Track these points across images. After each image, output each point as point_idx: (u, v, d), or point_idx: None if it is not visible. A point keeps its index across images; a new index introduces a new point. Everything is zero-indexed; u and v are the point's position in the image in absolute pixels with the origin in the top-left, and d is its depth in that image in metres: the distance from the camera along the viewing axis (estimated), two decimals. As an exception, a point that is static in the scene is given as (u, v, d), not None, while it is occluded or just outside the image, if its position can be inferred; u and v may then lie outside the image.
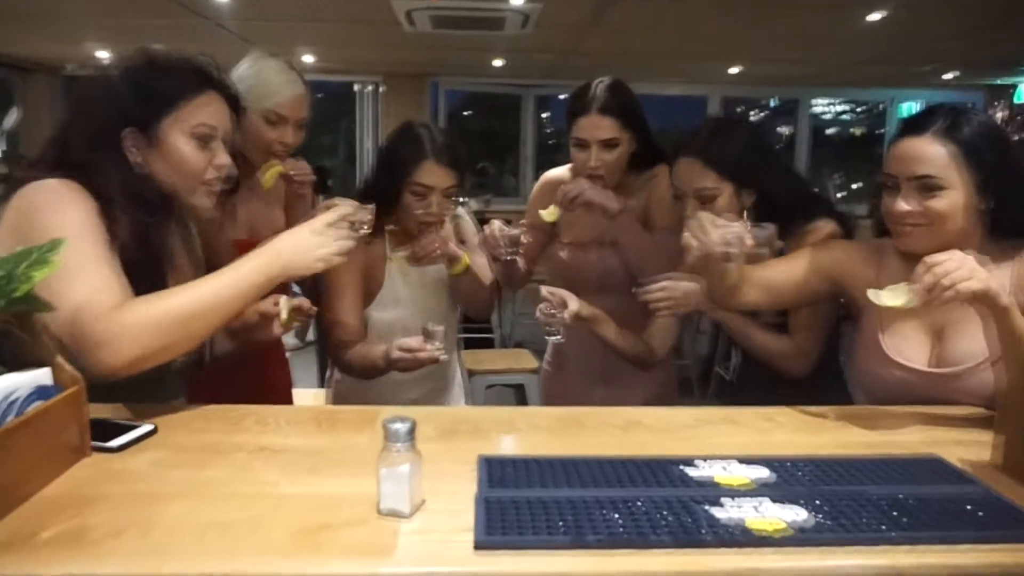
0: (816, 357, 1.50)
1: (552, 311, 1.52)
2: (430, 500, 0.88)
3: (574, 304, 1.53)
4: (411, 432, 0.84)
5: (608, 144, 1.66)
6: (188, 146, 1.19)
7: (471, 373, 3.11)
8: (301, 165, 1.71)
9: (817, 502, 0.88)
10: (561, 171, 1.88)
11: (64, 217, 1.07)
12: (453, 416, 1.21)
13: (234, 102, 1.26)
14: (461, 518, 0.84)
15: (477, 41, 5.54)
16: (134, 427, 1.07)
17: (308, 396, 2.80)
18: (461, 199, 1.74)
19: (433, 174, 1.56)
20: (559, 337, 1.55)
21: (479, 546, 0.77)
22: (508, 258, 1.61)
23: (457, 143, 1.61)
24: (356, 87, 7.46)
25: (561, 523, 0.82)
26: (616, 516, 0.84)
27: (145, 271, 1.15)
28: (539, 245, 1.86)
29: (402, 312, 1.66)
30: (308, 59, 6.51)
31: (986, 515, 0.86)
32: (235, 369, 1.54)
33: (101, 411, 1.12)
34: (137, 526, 0.81)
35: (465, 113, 9.38)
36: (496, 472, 0.96)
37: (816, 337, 1.50)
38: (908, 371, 1.29)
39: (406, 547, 0.78)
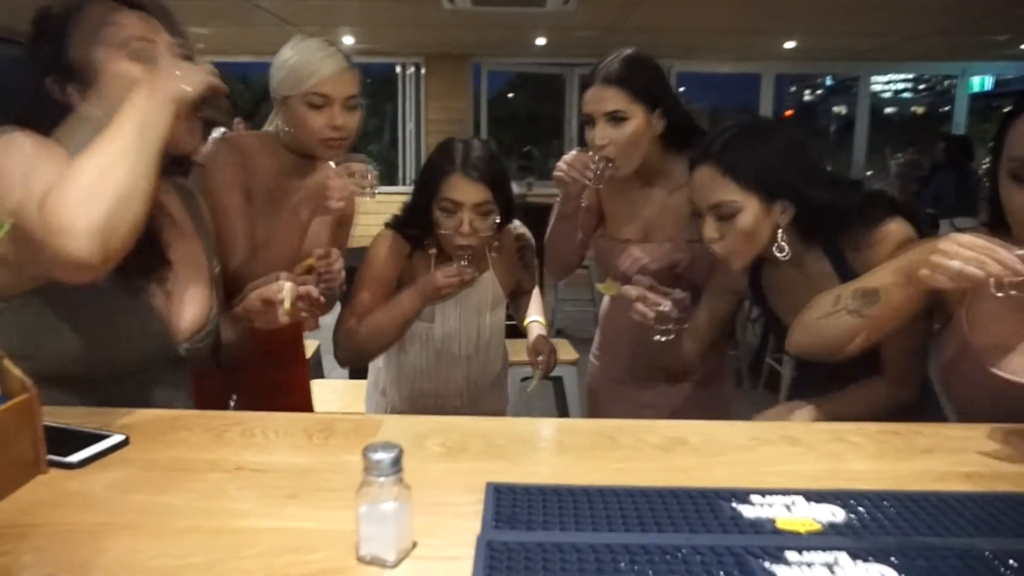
0: (922, 377, 1.25)
1: (661, 306, 1.29)
2: (423, 541, 0.72)
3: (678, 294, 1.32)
4: (397, 462, 0.68)
5: (614, 117, 1.45)
6: (127, 67, 1.07)
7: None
8: (334, 255, 1.45)
9: (910, 555, 0.69)
10: None
11: (15, 151, 0.98)
12: (464, 428, 1.04)
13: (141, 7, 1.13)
14: (458, 568, 0.68)
15: (518, 19, 5.32)
16: (102, 437, 0.94)
17: (334, 389, 2.69)
18: (523, 232, 1.70)
19: (461, 188, 1.46)
20: (671, 335, 1.32)
21: (475, 613, 0.61)
22: (595, 186, 1.47)
23: (494, 158, 1.51)
24: (398, 69, 7.33)
25: (580, 580, 0.65)
26: (650, 573, 0.66)
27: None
28: (591, 225, 1.69)
29: (435, 329, 1.60)
30: (348, 40, 6.40)
31: None
32: (249, 371, 1.42)
33: (71, 416, 0.99)
34: (72, 570, 0.67)
35: (509, 96, 9.18)
36: (505, 506, 0.79)
37: (916, 356, 1.23)
38: (1007, 383, 1.07)
39: (385, 609, 0.62)
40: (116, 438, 0.95)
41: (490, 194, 1.48)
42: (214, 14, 5.17)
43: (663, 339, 1.32)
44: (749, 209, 1.20)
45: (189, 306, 1.16)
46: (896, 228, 1.20)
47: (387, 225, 1.61)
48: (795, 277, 1.31)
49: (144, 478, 0.87)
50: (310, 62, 1.45)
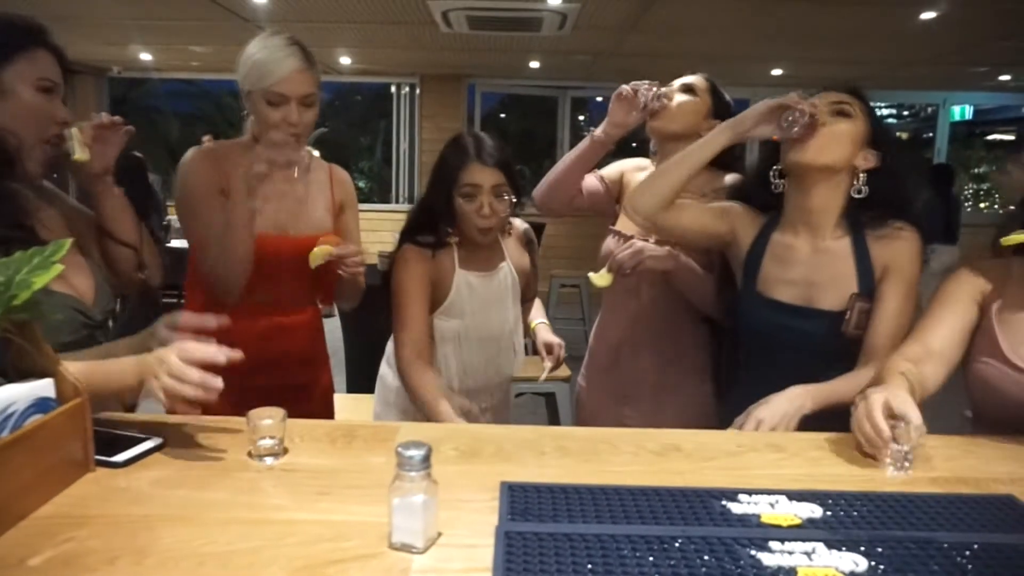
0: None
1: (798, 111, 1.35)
2: (447, 532, 0.81)
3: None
4: (427, 459, 0.77)
5: (687, 89, 1.69)
6: (35, 97, 1.21)
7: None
8: (352, 250, 1.58)
9: (878, 549, 0.78)
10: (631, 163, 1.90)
11: None
12: (475, 435, 1.13)
13: (63, 60, 1.28)
14: (479, 554, 0.77)
15: (514, 42, 5.47)
16: (141, 440, 1.02)
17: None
18: (528, 228, 1.82)
19: (479, 173, 1.59)
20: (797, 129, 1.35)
21: (497, 590, 0.70)
22: (655, 106, 1.67)
23: (503, 146, 1.64)
24: (393, 88, 7.45)
25: (589, 564, 0.74)
26: (650, 558, 0.76)
27: (10, 232, 1.11)
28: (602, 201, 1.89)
29: (467, 322, 1.69)
30: (345, 60, 6.52)
31: (1075, 571, 0.75)
32: (268, 373, 1.49)
33: (108, 422, 1.07)
34: (131, 554, 0.75)
35: (501, 116, 9.33)
36: (519, 502, 0.88)
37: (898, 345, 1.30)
38: None
39: (417, 588, 0.71)
40: (154, 440, 1.03)
41: (503, 177, 1.61)
42: (212, 33, 5.28)
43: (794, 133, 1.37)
44: (858, 124, 1.38)
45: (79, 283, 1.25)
46: (914, 235, 1.37)
47: (401, 242, 1.67)
48: (804, 248, 1.42)
49: (184, 476, 0.95)
50: (270, 61, 1.55)
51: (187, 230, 1.60)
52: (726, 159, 1.56)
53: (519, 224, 1.81)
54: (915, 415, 1.02)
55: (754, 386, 1.34)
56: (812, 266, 1.40)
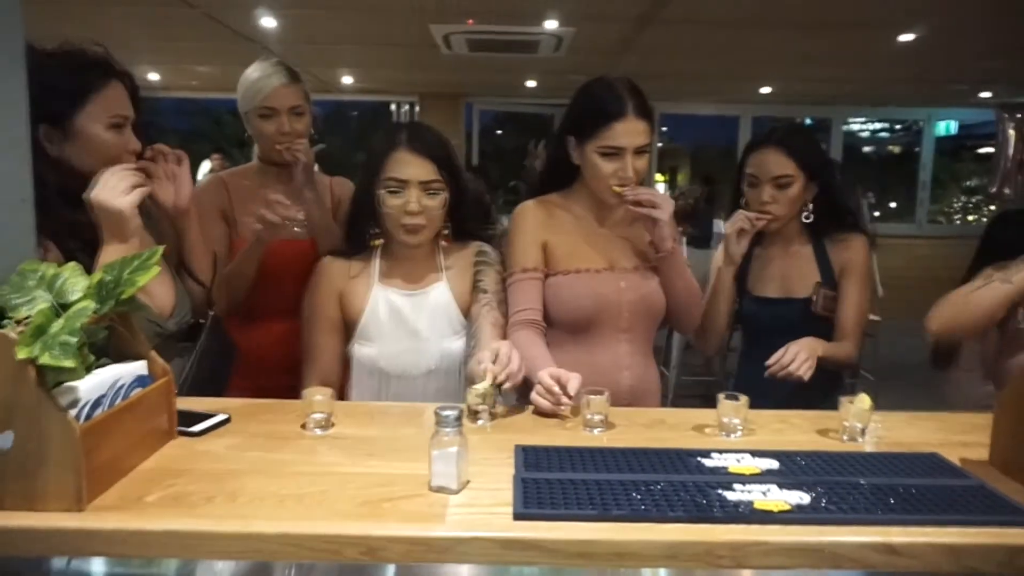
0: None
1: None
2: (474, 481, 1.01)
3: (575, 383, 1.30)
4: (459, 418, 0.98)
5: (641, 151, 1.53)
6: (108, 135, 1.31)
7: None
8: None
9: (820, 489, 0.99)
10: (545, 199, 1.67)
11: None
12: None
13: (134, 88, 1.37)
14: (501, 495, 0.97)
15: (511, 63, 5.73)
16: (211, 415, 1.23)
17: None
18: (484, 248, 1.59)
19: (406, 164, 1.43)
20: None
21: (518, 516, 0.90)
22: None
23: (441, 137, 1.50)
24: (392, 106, 7.71)
25: (589, 500, 0.95)
26: (638, 496, 0.96)
27: (86, 259, 1.20)
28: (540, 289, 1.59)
29: (383, 351, 1.48)
30: (348, 80, 6.78)
31: (975, 503, 0.96)
32: (291, 373, 1.69)
33: (182, 402, 1.28)
34: (224, 495, 0.96)
35: (497, 132, 9.58)
36: (532, 458, 1.09)
37: (863, 321, 1.81)
38: None
39: (455, 516, 0.91)
40: (222, 416, 1.23)
41: (436, 171, 1.44)
42: (217, 54, 5.52)
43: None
44: (798, 183, 1.73)
45: (161, 293, 1.39)
46: (863, 242, 1.80)
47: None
48: (778, 255, 1.84)
49: (252, 443, 1.15)
50: (257, 80, 1.84)
51: None
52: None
53: (476, 245, 1.60)
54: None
55: (754, 367, 1.69)
56: (785, 266, 1.84)
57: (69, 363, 0.85)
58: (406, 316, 1.49)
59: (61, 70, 1.30)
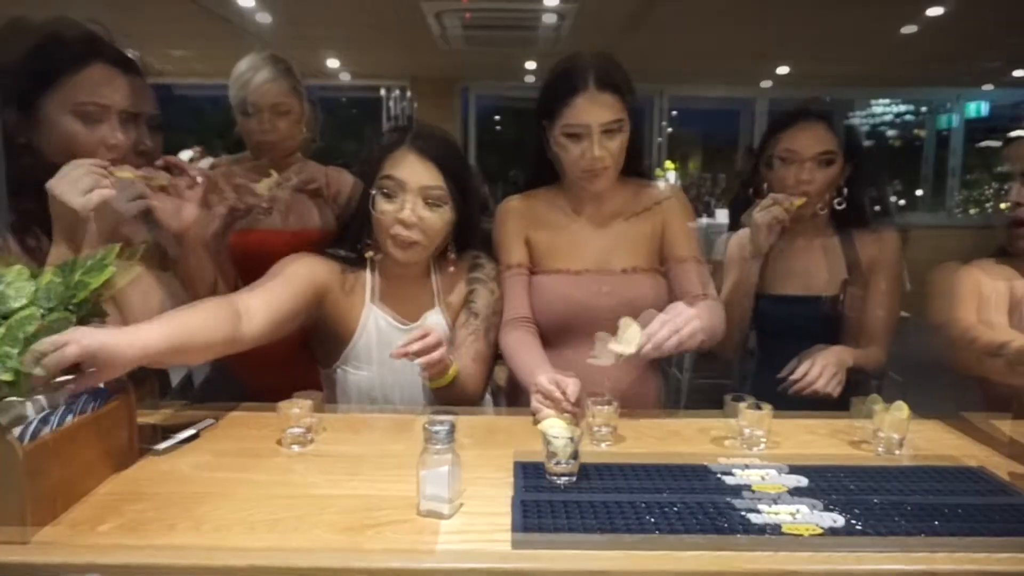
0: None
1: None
2: (468, 503, 0.96)
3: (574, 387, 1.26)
4: (451, 433, 0.93)
5: (610, 129, 1.43)
6: (74, 125, 1.21)
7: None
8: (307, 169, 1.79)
9: (855, 510, 0.94)
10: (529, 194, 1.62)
11: None
12: (488, 425, 1.29)
13: (136, 77, 1.26)
14: (499, 520, 0.92)
15: (510, 44, 5.66)
16: (177, 430, 1.18)
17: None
18: (480, 261, 1.50)
19: (406, 165, 1.34)
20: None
21: (517, 544, 0.85)
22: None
23: (452, 144, 1.42)
24: (382, 92, 7.65)
25: (597, 524, 0.90)
26: (651, 519, 0.91)
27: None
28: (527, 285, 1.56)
29: (385, 376, 1.42)
30: (333, 64, 6.72)
31: (1028, 524, 0.91)
32: (262, 372, 1.63)
33: (151, 416, 1.23)
34: (189, 522, 0.91)
35: (495, 119, 9.52)
36: (532, 476, 1.04)
37: (893, 325, 1.70)
38: None
39: (446, 545, 0.86)
40: (189, 431, 1.19)
41: (441, 179, 1.33)
42: (197, 38, 5.46)
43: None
44: (838, 162, 1.65)
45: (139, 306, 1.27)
46: (895, 235, 1.71)
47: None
48: (801, 248, 1.74)
49: (221, 462, 1.10)
50: (243, 74, 1.81)
51: None
52: (634, 165, 1.56)
53: (472, 256, 1.50)
54: None
55: (768, 374, 1.59)
56: (809, 259, 1.74)
57: (6, 376, 0.80)
58: (387, 342, 1.40)
59: (33, 48, 1.22)
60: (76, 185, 1.15)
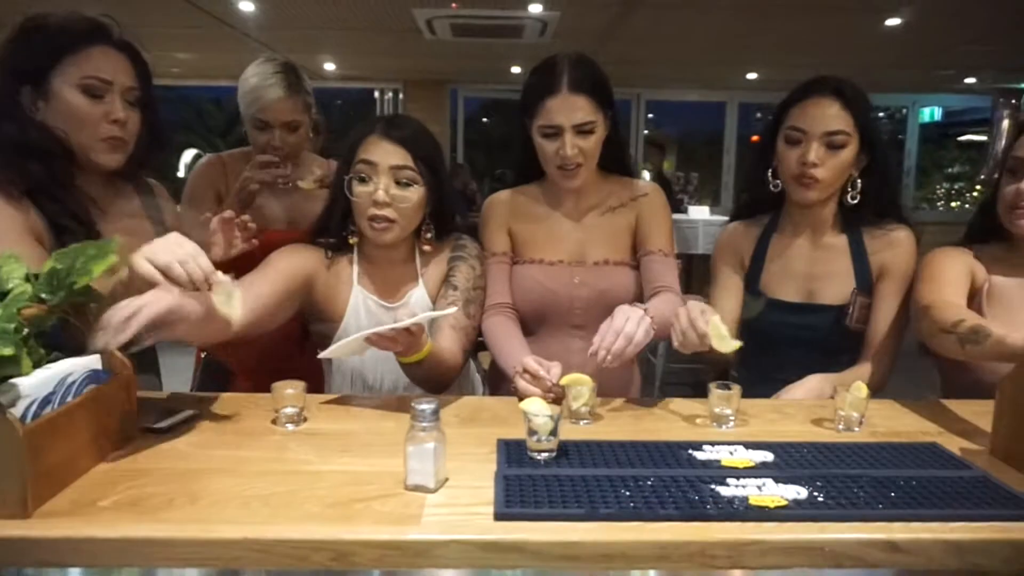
0: (895, 358, 1.47)
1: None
2: (453, 478, 0.95)
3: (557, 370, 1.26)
4: (436, 413, 0.91)
5: (583, 130, 1.41)
6: (80, 98, 1.25)
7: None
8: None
9: (818, 483, 0.94)
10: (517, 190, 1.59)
11: None
12: (474, 405, 1.28)
13: (136, 60, 1.30)
14: (482, 494, 0.91)
15: (496, 49, 5.64)
16: (176, 411, 1.16)
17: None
18: (463, 241, 1.49)
19: (377, 148, 1.35)
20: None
21: (499, 516, 0.84)
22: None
23: (421, 129, 1.41)
24: (376, 93, 7.60)
25: (575, 497, 0.89)
26: (627, 493, 0.90)
27: (65, 222, 1.22)
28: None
29: (371, 353, 1.33)
30: (329, 67, 6.66)
31: (979, 496, 0.91)
32: (262, 359, 1.62)
33: (152, 397, 1.20)
34: (185, 496, 0.89)
35: (483, 120, 9.50)
36: (514, 453, 1.02)
37: (898, 338, 1.46)
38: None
39: (432, 517, 0.85)
40: (188, 412, 1.16)
41: (411, 159, 1.34)
42: (197, 40, 5.39)
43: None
44: (852, 145, 1.41)
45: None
46: (910, 237, 1.47)
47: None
48: (804, 247, 1.51)
49: (219, 440, 1.09)
50: (256, 88, 1.73)
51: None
52: (615, 161, 1.54)
53: (456, 237, 1.50)
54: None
55: (754, 385, 1.35)
56: (812, 262, 1.50)
57: (8, 351, 0.77)
58: (389, 319, 1.36)
59: (43, 30, 1.26)
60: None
